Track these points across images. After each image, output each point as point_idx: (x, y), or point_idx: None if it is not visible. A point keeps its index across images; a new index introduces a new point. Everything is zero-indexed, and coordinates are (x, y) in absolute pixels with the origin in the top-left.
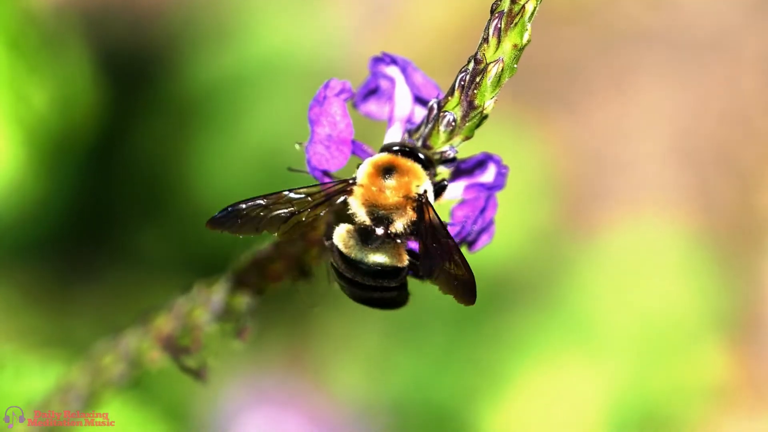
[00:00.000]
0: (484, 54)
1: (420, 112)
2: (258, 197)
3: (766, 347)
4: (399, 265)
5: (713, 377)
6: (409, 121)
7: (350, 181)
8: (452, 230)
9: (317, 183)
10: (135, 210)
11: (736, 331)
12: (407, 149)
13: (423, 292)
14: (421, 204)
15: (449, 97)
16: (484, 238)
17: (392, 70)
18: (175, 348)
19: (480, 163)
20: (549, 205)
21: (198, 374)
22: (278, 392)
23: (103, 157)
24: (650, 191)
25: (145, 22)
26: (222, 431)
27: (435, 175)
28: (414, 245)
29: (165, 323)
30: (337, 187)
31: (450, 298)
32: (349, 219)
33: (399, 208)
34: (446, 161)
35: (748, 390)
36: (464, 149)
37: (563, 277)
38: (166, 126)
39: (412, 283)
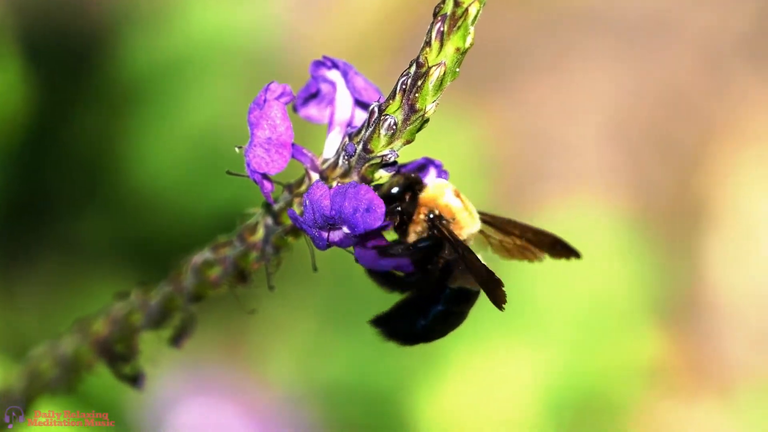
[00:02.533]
0: (426, 57)
1: (361, 116)
2: None
3: (704, 330)
4: None
5: (651, 361)
6: (349, 124)
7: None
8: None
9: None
10: (73, 199)
11: (674, 314)
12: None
13: (358, 279)
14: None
15: (390, 101)
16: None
17: (333, 74)
18: (111, 354)
19: (421, 167)
20: (487, 186)
21: (134, 381)
22: (215, 381)
23: (39, 146)
24: (588, 172)
25: (79, 7)
26: (158, 421)
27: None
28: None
29: (102, 327)
30: None
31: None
32: None
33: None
34: (387, 165)
35: (686, 373)
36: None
37: (498, 261)
38: (102, 112)
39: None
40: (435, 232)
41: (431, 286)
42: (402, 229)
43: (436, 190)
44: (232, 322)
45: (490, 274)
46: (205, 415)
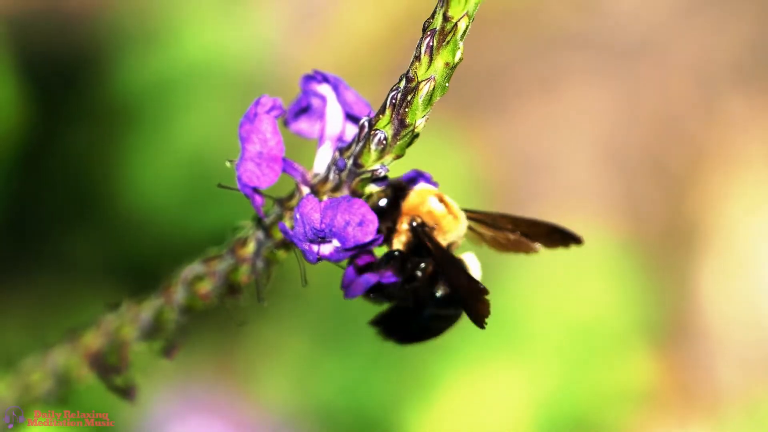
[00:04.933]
0: (415, 72)
1: (351, 131)
2: None
3: (695, 354)
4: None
5: (642, 383)
6: (340, 139)
7: None
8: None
9: None
10: (63, 217)
11: (665, 337)
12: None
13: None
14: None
15: (380, 116)
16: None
17: (324, 88)
18: (103, 366)
19: (411, 180)
20: (478, 208)
21: (125, 393)
22: (206, 400)
23: (30, 164)
24: (579, 195)
25: (72, 26)
26: None
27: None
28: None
29: (93, 340)
30: None
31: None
32: None
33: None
34: (377, 180)
35: (676, 396)
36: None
37: (491, 281)
38: (94, 131)
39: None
40: (418, 240)
41: (419, 294)
42: (388, 241)
43: (419, 197)
44: (224, 340)
45: (472, 283)
46: None
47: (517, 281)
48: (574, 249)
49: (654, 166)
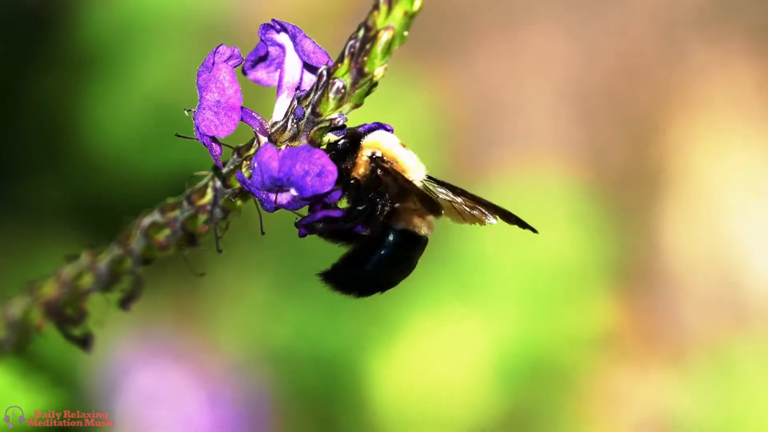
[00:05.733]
0: (374, 21)
1: (310, 80)
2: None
3: (658, 298)
4: None
5: (603, 328)
6: (298, 88)
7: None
8: None
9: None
10: (27, 160)
11: (629, 282)
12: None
13: (309, 243)
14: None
15: (339, 65)
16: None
17: (282, 37)
18: (60, 316)
19: (371, 130)
20: (441, 153)
21: (83, 343)
22: (167, 346)
23: None
24: (542, 138)
25: None
26: (111, 386)
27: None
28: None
29: (51, 290)
30: None
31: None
32: None
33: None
34: (335, 128)
35: (639, 341)
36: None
37: (453, 227)
38: (58, 75)
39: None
40: (378, 171)
41: (375, 229)
42: (347, 191)
43: (379, 137)
44: (183, 287)
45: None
46: (156, 380)
47: (479, 227)
48: (536, 193)
49: (617, 111)
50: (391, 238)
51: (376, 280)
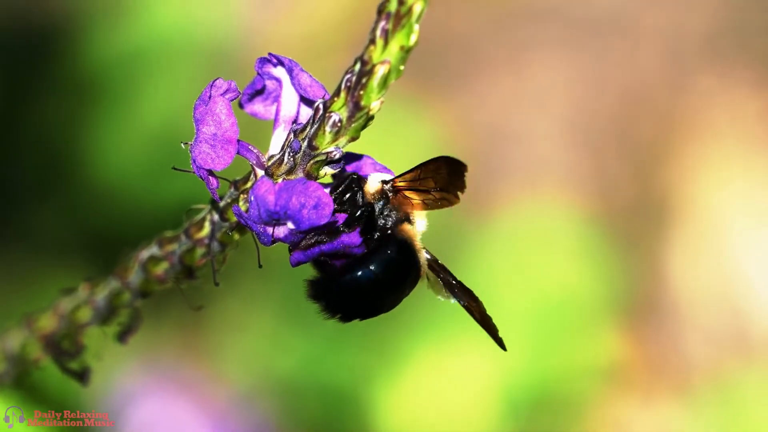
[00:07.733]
0: (370, 55)
1: (307, 113)
2: None
3: (663, 329)
4: None
5: (609, 359)
6: (295, 121)
7: None
8: None
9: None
10: (31, 190)
11: (634, 312)
12: None
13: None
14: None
15: (335, 98)
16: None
17: (278, 71)
18: (57, 349)
19: (356, 157)
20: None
21: (80, 376)
22: (171, 377)
23: None
24: (547, 169)
25: None
26: (115, 416)
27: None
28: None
29: (49, 323)
30: None
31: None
32: None
33: None
34: (332, 162)
35: (644, 372)
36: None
37: (459, 255)
38: (62, 104)
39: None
40: (389, 194)
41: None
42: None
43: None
44: (188, 318)
45: None
46: (161, 411)
47: (485, 257)
48: (543, 225)
49: (623, 140)
50: (391, 246)
51: (365, 294)
